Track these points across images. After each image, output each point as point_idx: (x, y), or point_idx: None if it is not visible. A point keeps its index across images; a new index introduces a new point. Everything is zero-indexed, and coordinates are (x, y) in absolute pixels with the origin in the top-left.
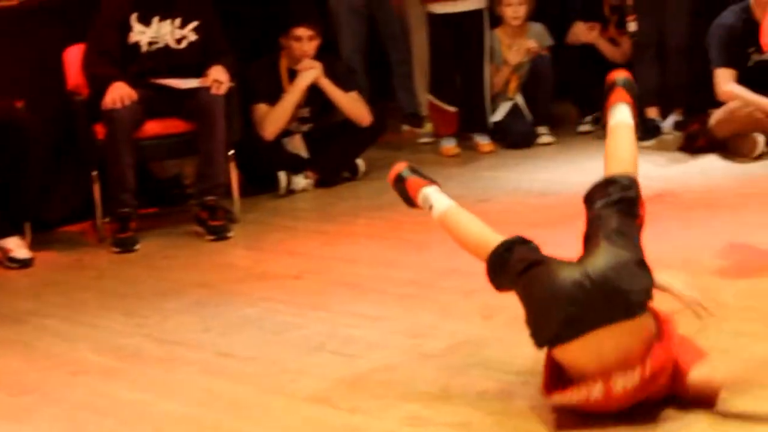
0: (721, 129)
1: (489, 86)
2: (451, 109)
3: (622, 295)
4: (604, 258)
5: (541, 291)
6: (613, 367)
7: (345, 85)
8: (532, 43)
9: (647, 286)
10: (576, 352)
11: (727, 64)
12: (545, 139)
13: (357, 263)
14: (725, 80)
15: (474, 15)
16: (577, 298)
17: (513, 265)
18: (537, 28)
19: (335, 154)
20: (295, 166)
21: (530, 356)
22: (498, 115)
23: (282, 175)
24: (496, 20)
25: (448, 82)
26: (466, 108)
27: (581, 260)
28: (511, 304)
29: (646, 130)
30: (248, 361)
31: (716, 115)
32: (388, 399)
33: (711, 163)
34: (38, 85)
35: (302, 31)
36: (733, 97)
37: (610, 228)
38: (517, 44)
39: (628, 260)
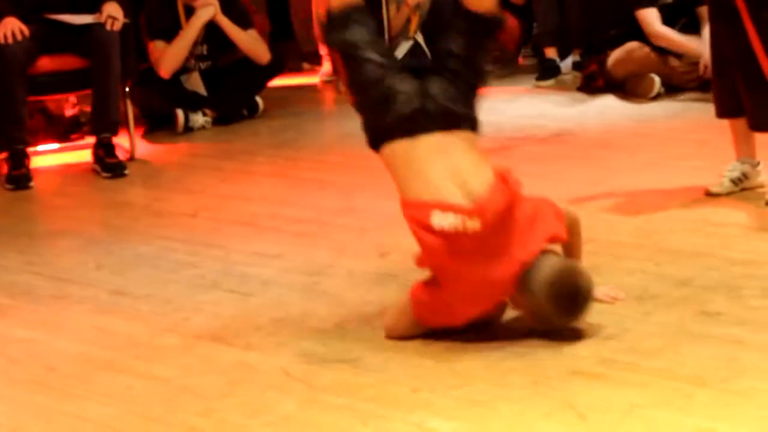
0: (619, 69)
1: (389, 27)
2: None
3: (454, 113)
4: (439, 85)
5: (379, 93)
6: (448, 191)
7: (243, 23)
8: None
9: (476, 114)
10: (406, 158)
11: (652, 3)
12: None
13: (254, 202)
14: (655, 20)
15: None
16: (411, 104)
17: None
18: None
19: (233, 92)
20: (193, 103)
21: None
22: (398, 55)
23: (180, 113)
24: None
25: None
26: None
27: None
28: (407, 243)
29: (545, 70)
30: (142, 300)
31: (614, 56)
32: (283, 336)
33: (609, 103)
34: None
35: None
36: (664, 38)
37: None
38: None
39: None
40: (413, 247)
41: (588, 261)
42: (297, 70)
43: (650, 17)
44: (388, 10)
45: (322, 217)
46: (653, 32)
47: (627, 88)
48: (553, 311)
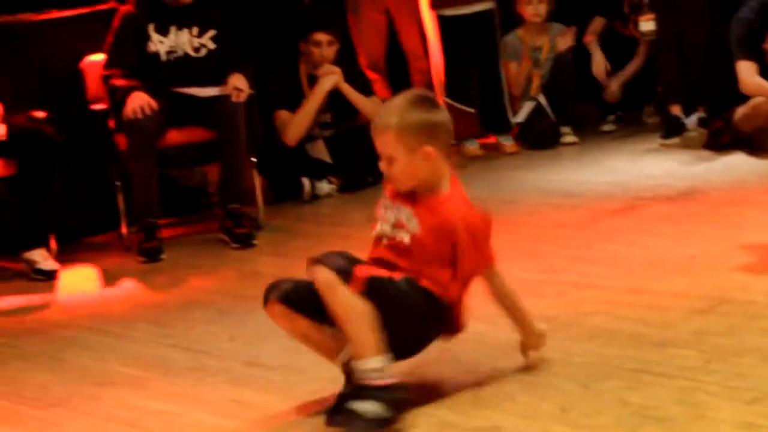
0: (746, 124)
1: (507, 86)
2: (470, 110)
3: None
4: None
5: None
6: None
7: (365, 90)
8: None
9: None
10: None
11: (748, 56)
12: (569, 138)
13: None
14: (749, 73)
15: (484, 15)
16: None
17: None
18: (558, 27)
19: (358, 159)
20: (319, 171)
21: (556, 358)
22: (521, 116)
23: (305, 181)
24: (517, 20)
25: (463, 83)
26: (486, 109)
27: None
28: (539, 307)
29: (669, 128)
30: (275, 370)
31: (740, 111)
32: (418, 405)
33: (736, 160)
34: (59, 97)
35: (321, 36)
36: (758, 89)
37: None
38: (542, 41)
39: None
40: (544, 312)
41: (722, 322)
42: None
43: (744, 69)
44: (508, 68)
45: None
46: (744, 85)
47: (755, 143)
48: None
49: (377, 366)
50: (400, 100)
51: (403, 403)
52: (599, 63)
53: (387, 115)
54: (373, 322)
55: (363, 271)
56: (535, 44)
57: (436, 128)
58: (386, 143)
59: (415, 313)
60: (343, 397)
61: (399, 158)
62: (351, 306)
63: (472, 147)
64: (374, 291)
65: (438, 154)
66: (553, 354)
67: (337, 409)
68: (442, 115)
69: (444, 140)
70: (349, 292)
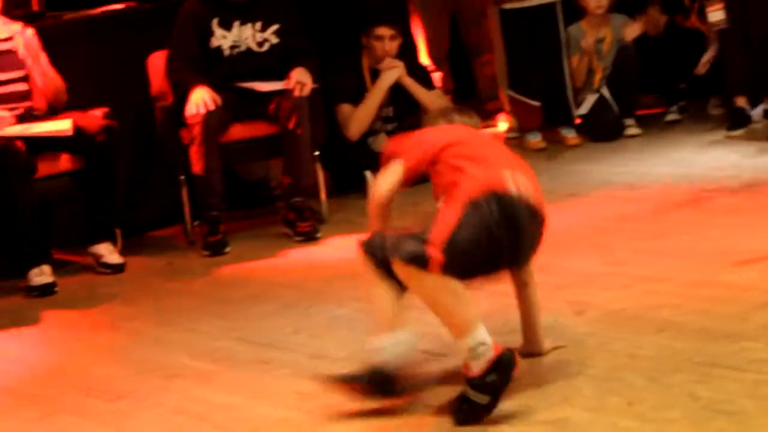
0: None
1: (570, 78)
2: (534, 103)
3: None
4: None
5: None
6: None
7: (428, 83)
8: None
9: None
10: None
11: None
12: (632, 130)
13: None
14: None
15: (547, 8)
16: None
17: None
18: (619, 19)
19: None
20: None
21: (622, 352)
22: (584, 108)
23: (368, 175)
24: (579, 12)
25: (527, 76)
26: (549, 102)
27: None
28: (603, 300)
29: (735, 120)
30: (340, 362)
31: None
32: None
33: None
34: (123, 92)
35: (384, 31)
36: None
37: None
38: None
39: None
40: (609, 305)
41: None
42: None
43: None
44: (570, 61)
45: None
46: None
47: None
48: None
49: (478, 341)
50: None
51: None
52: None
53: None
54: (462, 298)
55: (436, 253)
56: (598, 36)
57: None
58: None
59: (483, 240)
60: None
61: None
62: (437, 291)
63: (535, 140)
64: (451, 263)
65: None
66: (619, 347)
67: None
68: None
69: None
70: (431, 276)
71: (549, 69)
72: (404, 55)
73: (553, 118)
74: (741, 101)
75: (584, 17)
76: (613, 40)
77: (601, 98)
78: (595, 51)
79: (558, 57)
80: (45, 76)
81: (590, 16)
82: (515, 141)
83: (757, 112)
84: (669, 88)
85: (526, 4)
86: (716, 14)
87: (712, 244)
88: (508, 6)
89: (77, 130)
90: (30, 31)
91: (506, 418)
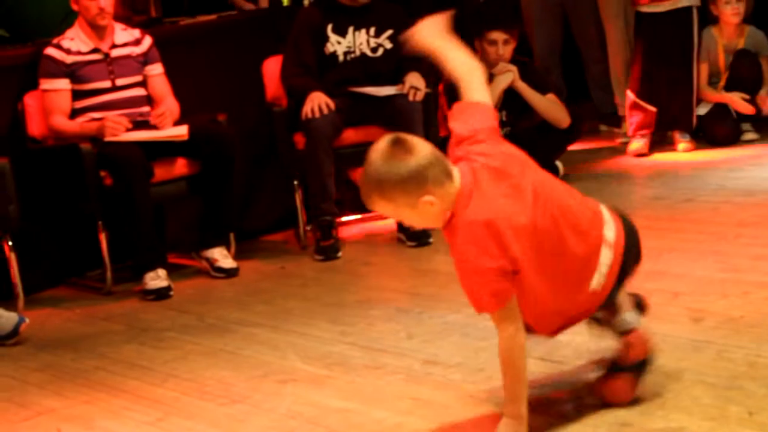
0: None
1: (697, 85)
2: (652, 108)
3: None
4: None
5: None
6: None
7: (541, 88)
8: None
9: None
10: None
11: None
12: (750, 136)
13: None
14: None
15: (683, 12)
16: None
17: None
18: (758, 35)
19: (534, 157)
20: None
21: (742, 360)
22: (702, 109)
23: None
24: (711, 19)
25: (652, 81)
26: (672, 106)
27: None
28: (721, 308)
29: None
30: (454, 369)
31: None
32: (598, 404)
33: None
34: (239, 97)
35: (497, 35)
36: None
37: None
38: (737, 42)
39: None
40: (728, 312)
41: None
42: (594, 132)
43: None
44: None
45: (632, 282)
46: None
47: None
48: None
49: None
50: (373, 161)
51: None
52: None
53: (367, 184)
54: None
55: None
56: (730, 45)
57: (419, 174)
58: (385, 211)
59: None
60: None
61: (406, 216)
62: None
63: (638, 145)
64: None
65: (439, 194)
66: (739, 355)
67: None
68: (419, 155)
69: (435, 173)
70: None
71: (677, 74)
72: (519, 59)
73: (671, 124)
74: None
75: (716, 24)
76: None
77: (719, 105)
78: (725, 61)
79: (689, 62)
80: (161, 96)
81: (723, 24)
82: (623, 146)
83: None
84: None
85: (662, 8)
86: None
87: None
88: (645, 9)
89: (193, 134)
90: (149, 40)
91: (623, 426)
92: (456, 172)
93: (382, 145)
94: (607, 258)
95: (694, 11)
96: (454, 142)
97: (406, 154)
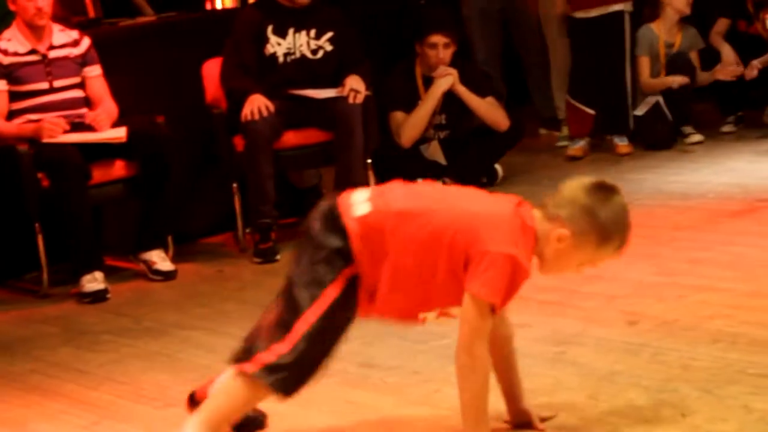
0: None
1: (631, 85)
2: (589, 111)
3: None
4: None
5: None
6: None
7: (481, 91)
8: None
9: None
10: None
11: None
12: (694, 138)
13: None
14: None
15: (615, 17)
16: None
17: None
18: (692, 32)
19: (473, 160)
20: (434, 172)
21: (676, 363)
22: (641, 110)
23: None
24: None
25: (587, 84)
26: (607, 110)
27: None
28: (657, 311)
29: None
30: (390, 371)
31: None
32: (533, 407)
33: None
34: (178, 99)
35: (437, 38)
36: None
37: None
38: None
39: None
40: (662, 315)
41: None
42: (534, 135)
43: None
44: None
45: (568, 286)
46: None
47: None
48: None
49: None
50: None
51: None
52: (729, 59)
53: None
54: None
55: None
56: (668, 41)
57: None
58: None
59: None
60: None
61: None
62: None
63: (576, 147)
64: None
65: None
66: (673, 358)
67: None
68: None
69: None
70: None
71: (610, 77)
72: (458, 62)
73: (607, 126)
74: None
75: (657, 20)
76: (681, 48)
77: (657, 106)
78: (664, 55)
79: (621, 66)
80: (99, 97)
81: (665, 19)
82: (562, 149)
83: None
84: (726, 96)
85: (594, 13)
86: None
87: (767, 254)
88: (577, 15)
89: (131, 136)
90: (87, 41)
91: (559, 429)
92: None
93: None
94: None
95: (626, 16)
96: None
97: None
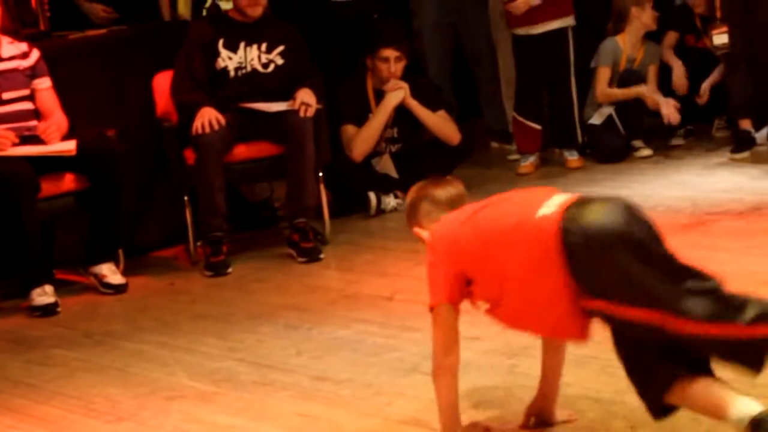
0: None
1: (578, 99)
2: (536, 126)
3: None
4: None
5: None
6: None
7: (432, 104)
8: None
9: None
10: None
11: None
12: (644, 152)
13: None
14: None
15: (558, 34)
16: None
17: None
18: (654, 47)
19: (425, 173)
20: (385, 186)
21: (624, 374)
22: (597, 119)
23: (372, 196)
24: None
25: (532, 100)
26: (555, 125)
27: None
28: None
29: (739, 142)
30: (343, 384)
31: None
32: (485, 421)
33: None
34: (128, 112)
35: (389, 52)
36: None
37: None
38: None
39: None
40: None
41: None
42: (485, 149)
43: None
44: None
45: None
46: None
47: None
48: None
49: None
50: None
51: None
52: (680, 73)
53: None
54: None
55: None
56: (630, 55)
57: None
58: None
59: None
60: None
61: None
62: None
63: (525, 164)
64: None
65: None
66: (622, 370)
67: None
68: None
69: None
70: None
71: (556, 92)
72: (410, 76)
73: (556, 141)
74: (745, 124)
75: (621, 33)
76: (642, 63)
77: (609, 119)
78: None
79: (566, 81)
80: (49, 110)
81: (631, 34)
82: (518, 163)
83: (761, 135)
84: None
85: (538, 30)
86: (720, 38)
87: (715, 268)
88: (520, 32)
89: (81, 149)
90: (36, 53)
91: None
92: None
93: None
94: None
95: (569, 31)
96: None
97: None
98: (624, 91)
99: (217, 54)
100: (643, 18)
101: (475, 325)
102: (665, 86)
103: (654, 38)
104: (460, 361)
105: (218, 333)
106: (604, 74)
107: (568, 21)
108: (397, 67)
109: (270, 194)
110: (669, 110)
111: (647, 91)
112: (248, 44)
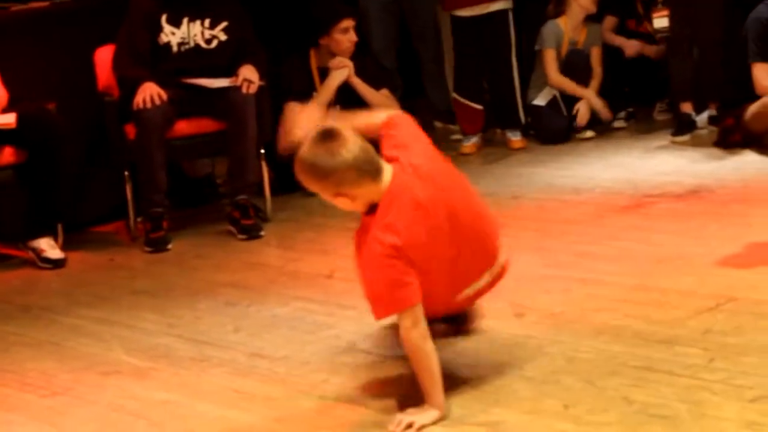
0: (756, 123)
1: (519, 79)
2: (477, 106)
3: None
4: None
5: None
6: None
7: (376, 83)
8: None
9: None
10: None
11: (766, 58)
12: (586, 134)
13: None
14: (765, 76)
15: (498, 15)
16: None
17: None
18: (596, 29)
19: None
20: None
21: (560, 355)
22: (541, 100)
23: None
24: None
25: (472, 80)
26: (497, 105)
27: None
28: (544, 303)
29: (680, 125)
30: (280, 362)
31: (751, 110)
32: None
33: (746, 158)
34: (69, 86)
35: (348, 22)
36: None
37: None
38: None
39: None
40: (549, 308)
41: (730, 320)
42: (429, 129)
43: (760, 71)
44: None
45: None
46: (760, 87)
47: (765, 142)
48: None
49: None
50: (306, 147)
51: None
52: (628, 43)
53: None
54: None
55: None
56: (573, 38)
57: (335, 173)
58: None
59: None
60: None
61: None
62: None
63: (468, 144)
64: None
65: (355, 190)
66: (557, 350)
67: None
68: (342, 156)
69: (351, 176)
70: None
71: (497, 73)
72: (355, 55)
73: (499, 121)
74: (686, 107)
75: (563, 15)
76: (585, 45)
77: (553, 100)
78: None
79: (508, 62)
80: None
81: (571, 17)
82: (461, 143)
83: (702, 118)
84: (616, 93)
85: (476, 12)
86: (660, 21)
87: (653, 249)
88: (459, 13)
89: (21, 123)
90: None
91: (441, 419)
92: (387, 171)
93: (316, 133)
94: None
95: (509, 14)
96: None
97: (331, 151)
98: (574, 87)
99: (160, 29)
100: (582, 1)
101: None
102: (615, 66)
103: (596, 21)
104: None
105: (157, 309)
106: (551, 56)
107: (507, 2)
108: (354, 37)
109: (211, 171)
110: (605, 113)
111: (591, 96)
112: (192, 19)
